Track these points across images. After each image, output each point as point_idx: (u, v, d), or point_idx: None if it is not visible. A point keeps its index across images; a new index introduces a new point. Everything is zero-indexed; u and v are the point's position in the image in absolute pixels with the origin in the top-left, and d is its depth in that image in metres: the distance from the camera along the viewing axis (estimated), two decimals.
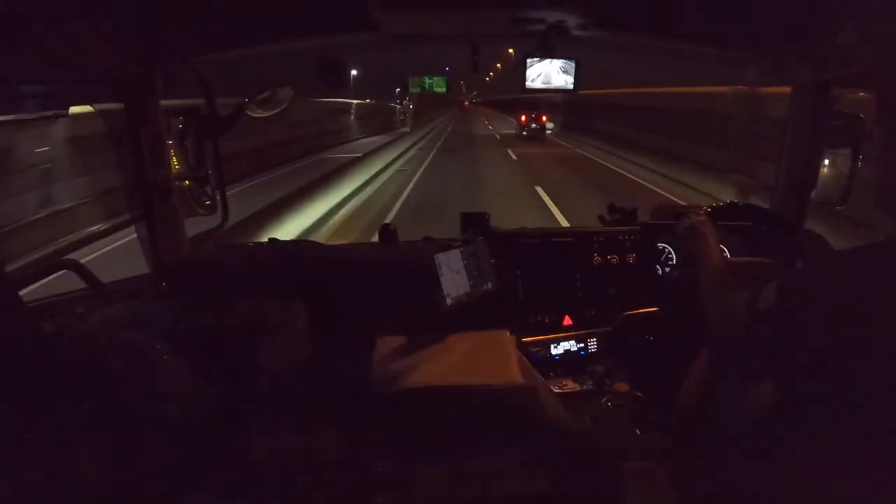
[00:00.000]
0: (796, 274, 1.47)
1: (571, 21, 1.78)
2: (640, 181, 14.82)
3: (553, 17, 1.77)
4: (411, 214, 10.40)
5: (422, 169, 16.70)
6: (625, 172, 16.54)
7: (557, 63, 1.95)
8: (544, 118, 29.26)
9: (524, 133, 27.91)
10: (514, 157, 19.95)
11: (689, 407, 1.54)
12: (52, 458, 0.92)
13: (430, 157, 19.96)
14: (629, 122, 21.27)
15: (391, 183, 14.19)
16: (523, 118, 29.18)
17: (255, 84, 1.83)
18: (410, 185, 13.83)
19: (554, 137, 29.26)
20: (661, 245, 2.21)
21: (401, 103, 41.23)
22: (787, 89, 2.04)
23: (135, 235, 1.95)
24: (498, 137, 29.41)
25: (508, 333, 1.85)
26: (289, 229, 7.93)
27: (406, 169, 16.58)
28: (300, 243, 2.25)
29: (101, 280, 1.76)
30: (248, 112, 1.94)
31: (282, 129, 19.45)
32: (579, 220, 8.22)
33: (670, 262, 2.20)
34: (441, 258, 1.82)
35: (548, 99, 33.46)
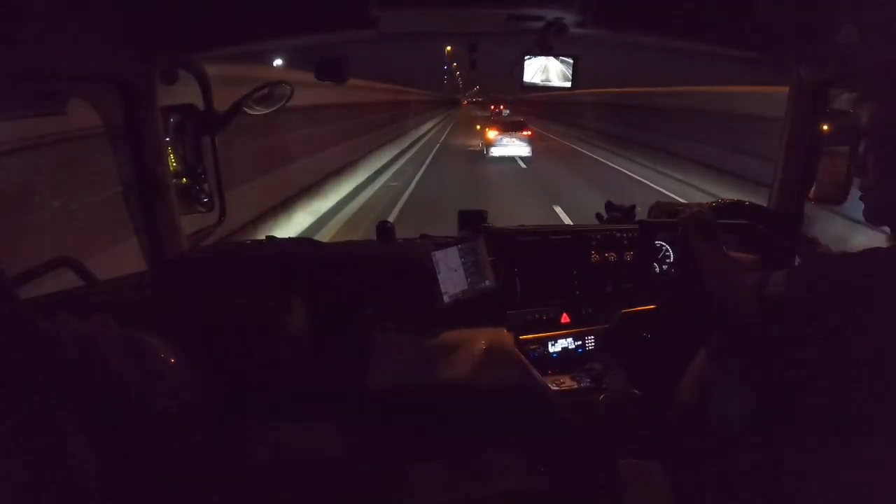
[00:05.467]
0: (804, 265, 1.47)
1: (569, 18, 1.78)
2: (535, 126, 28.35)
3: (551, 14, 1.76)
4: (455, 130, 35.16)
5: (452, 123, 43.08)
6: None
7: (555, 61, 1.95)
8: (502, 107, 63.18)
9: (491, 116, 49.83)
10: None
11: (687, 404, 1.54)
12: (51, 456, 0.92)
13: (454, 122, 45.79)
14: (541, 109, 50.73)
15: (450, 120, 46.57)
16: (492, 108, 63.06)
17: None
18: (450, 126, 39.31)
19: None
20: (658, 243, 2.21)
21: None
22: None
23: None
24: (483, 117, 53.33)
25: (506, 331, 1.85)
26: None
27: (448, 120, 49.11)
28: (298, 241, 2.25)
29: (99, 277, 1.76)
30: (246, 109, 1.94)
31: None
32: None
33: (668, 260, 2.20)
34: (439, 256, 1.82)
35: (504, 98, 73.82)
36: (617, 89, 23.55)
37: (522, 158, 18.04)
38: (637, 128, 20.73)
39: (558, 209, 10.74)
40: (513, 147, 18.16)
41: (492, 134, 18.73)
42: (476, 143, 21.56)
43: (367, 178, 14.43)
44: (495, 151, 17.98)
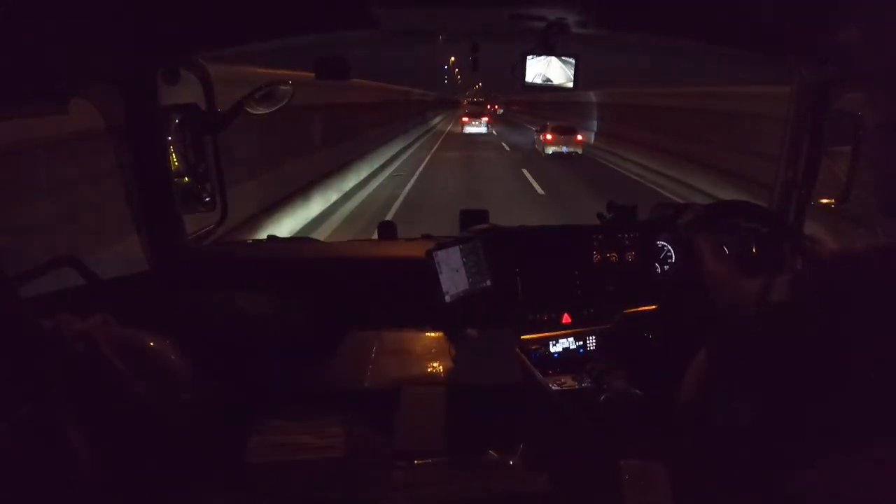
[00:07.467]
0: (809, 269, 1.46)
1: (571, 18, 1.78)
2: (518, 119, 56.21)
3: (553, 14, 1.76)
4: (456, 123, 43.54)
5: (451, 123, 46.88)
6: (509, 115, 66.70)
7: (556, 61, 1.95)
8: (496, 106, 73.98)
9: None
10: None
11: (688, 405, 1.54)
12: (51, 455, 0.92)
13: (453, 120, 50.02)
14: (524, 108, 65.18)
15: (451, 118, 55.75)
16: (488, 107, 69.12)
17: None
18: (448, 127, 43.29)
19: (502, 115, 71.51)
20: (660, 243, 2.21)
21: None
22: None
23: None
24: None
25: (507, 331, 1.85)
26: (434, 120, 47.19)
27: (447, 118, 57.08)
28: (299, 240, 2.25)
29: (100, 276, 1.76)
30: (248, 108, 1.94)
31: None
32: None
33: (669, 261, 2.20)
34: (440, 256, 1.82)
35: (499, 98, 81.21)
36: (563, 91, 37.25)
37: (494, 128, 35.64)
38: (561, 112, 36.67)
39: (503, 143, 25.18)
40: (477, 128, 34.01)
41: (465, 119, 35.20)
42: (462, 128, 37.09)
43: (426, 129, 36.56)
44: (466, 130, 33.76)
